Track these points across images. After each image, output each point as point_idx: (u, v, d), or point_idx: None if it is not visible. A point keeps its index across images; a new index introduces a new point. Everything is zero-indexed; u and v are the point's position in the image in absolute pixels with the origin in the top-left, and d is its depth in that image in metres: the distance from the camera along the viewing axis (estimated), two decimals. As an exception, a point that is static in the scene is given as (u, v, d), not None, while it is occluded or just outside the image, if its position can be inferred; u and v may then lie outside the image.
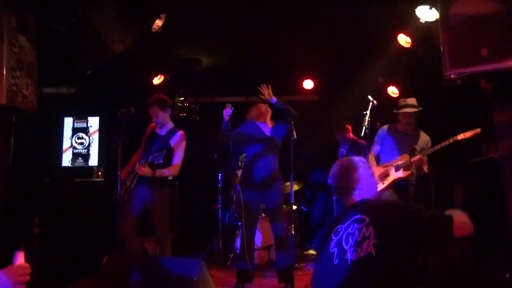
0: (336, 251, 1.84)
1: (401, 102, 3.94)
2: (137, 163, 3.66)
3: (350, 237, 1.81)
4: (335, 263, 1.81)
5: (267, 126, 3.97)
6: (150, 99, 3.75)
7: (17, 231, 3.02)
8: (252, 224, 3.88)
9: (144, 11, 3.34)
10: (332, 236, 1.90)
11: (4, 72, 2.70)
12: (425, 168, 3.74)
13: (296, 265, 4.69)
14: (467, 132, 3.38)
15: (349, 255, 1.77)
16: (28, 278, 1.48)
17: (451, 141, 3.45)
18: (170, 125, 3.85)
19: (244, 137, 3.93)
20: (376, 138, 4.02)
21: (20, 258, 1.47)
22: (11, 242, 2.86)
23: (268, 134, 3.92)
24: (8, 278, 1.40)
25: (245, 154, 4.02)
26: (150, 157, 3.48)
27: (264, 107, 3.98)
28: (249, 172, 3.85)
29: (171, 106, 3.89)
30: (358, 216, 1.85)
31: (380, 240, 1.72)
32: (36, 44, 3.02)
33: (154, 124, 3.84)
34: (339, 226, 1.91)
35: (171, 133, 3.75)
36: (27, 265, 1.48)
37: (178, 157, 3.71)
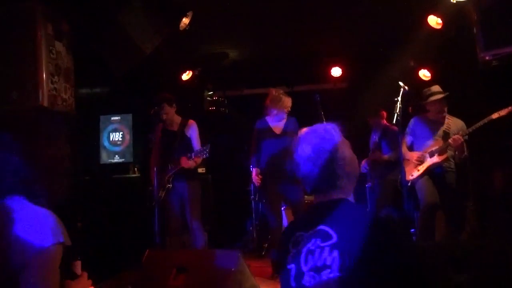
0: (293, 270, 1.36)
1: (426, 92, 3.84)
2: (169, 164, 3.78)
3: (310, 257, 1.33)
4: (293, 286, 1.35)
5: (279, 121, 3.95)
6: (157, 99, 3.85)
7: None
8: (277, 215, 3.95)
9: (171, 10, 3.41)
10: (289, 246, 1.41)
11: (44, 78, 2.84)
12: (466, 151, 3.64)
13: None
14: (502, 110, 3.28)
15: (306, 281, 1.31)
16: None
17: (486, 121, 3.35)
18: (178, 118, 3.97)
19: (260, 133, 3.99)
20: (407, 130, 3.96)
21: (79, 268, 1.48)
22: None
23: (279, 130, 3.93)
24: None
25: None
26: (193, 155, 3.62)
27: (273, 96, 3.92)
28: (267, 167, 3.89)
29: (176, 102, 3.96)
30: (323, 227, 1.35)
31: (345, 274, 1.23)
32: (71, 49, 3.15)
33: (160, 124, 3.95)
34: (301, 233, 1.41)
35: (183, 125, 3.89)
36: (86, 274, 1.49)
37: (197, 144, 3.87)
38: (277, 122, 3.96)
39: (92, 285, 1.49)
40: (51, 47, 2.92)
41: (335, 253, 1.25)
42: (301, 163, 1.46)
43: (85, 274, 1.48)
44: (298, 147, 1.48)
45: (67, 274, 1.43)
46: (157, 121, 3.74)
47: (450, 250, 2.27)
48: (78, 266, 1.48)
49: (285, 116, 3.95)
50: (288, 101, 3.92)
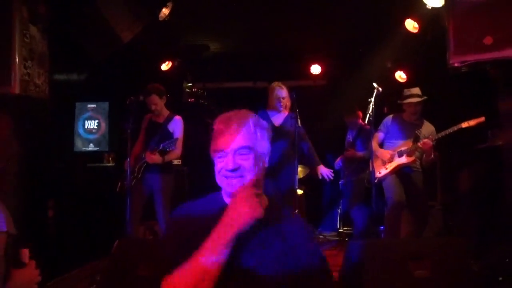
0: None
1: (406, 92, 3.95)
2: (143, 153, 3.80)
3: None
4: None
5: (278, 114, 3.99)
6: (147, 88, 3.86)
7: (33, 214, 3.15)
8: None
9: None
10: None
11: (17, 62, 2.77)
12: (432, 154, 3.77)
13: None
14: (471, 121, 3.41)
15: None
16: (39, 278, 1.46)
17: (456, 129, 3.48)
18: (166, 112, 3.99)
19: None
20: (381, 127, 4.06)
21: (27, 257, 1.44)
22: (27, 224, 2.98)
23: (277, 123, 3.97)
24: (24, 281, 1.39)
25: None
26: (162, 145, 3.63)
27: (269, 88, 3.99)
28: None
29: (167, 94, 3.99)
30: None
31: None
32: (46, 33, 3.07)
33: (149, 115, 3.99)
34: None
35: (169, 119, 3.91)
36: (34, 263, 1.45)
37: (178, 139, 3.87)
38: (275, 114, 3.99)
39: (40, 275, 1.46)
40: (25, 31, 2.84)
41: None
42: None
43: (33, 263, 1.45)
44: None
45: (14, 262, 1.39)
46: (133, 110, 3.71)
47: (412, 247, 2.37)
48: (25, 254, 1.44)
49: (281, 108, 3.96)
50: (280, 92, 3.93)
